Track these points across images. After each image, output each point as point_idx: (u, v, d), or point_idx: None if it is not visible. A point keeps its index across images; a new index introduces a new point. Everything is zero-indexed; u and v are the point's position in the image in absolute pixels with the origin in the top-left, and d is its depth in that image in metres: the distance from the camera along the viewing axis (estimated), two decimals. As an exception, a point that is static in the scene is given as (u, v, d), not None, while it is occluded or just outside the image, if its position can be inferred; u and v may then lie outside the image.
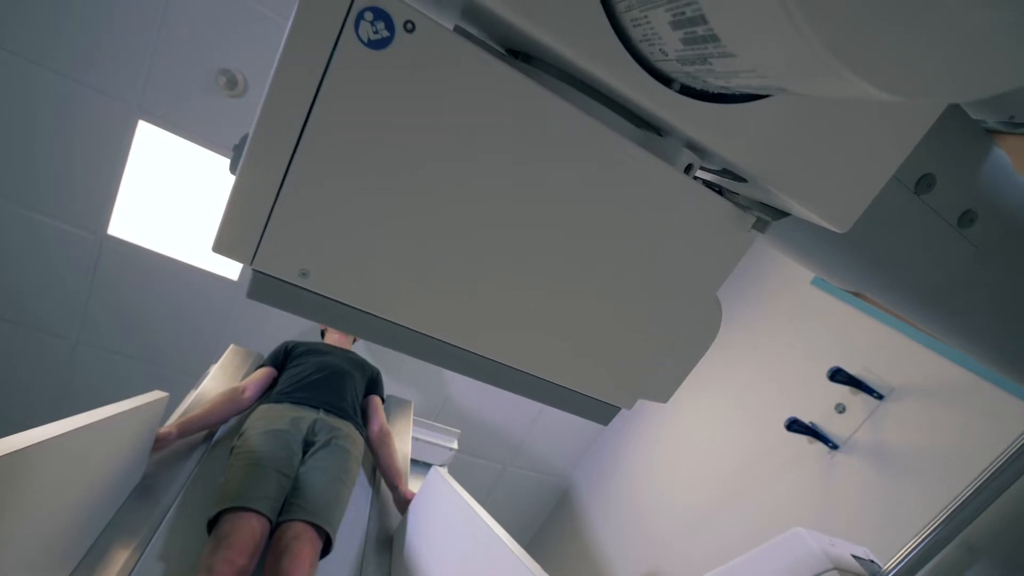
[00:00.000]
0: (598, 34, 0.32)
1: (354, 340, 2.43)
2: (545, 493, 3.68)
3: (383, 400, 2.20)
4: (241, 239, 0.36)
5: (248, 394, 1.82)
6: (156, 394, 1.42)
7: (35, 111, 2.08)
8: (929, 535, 0.80)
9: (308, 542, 1.31)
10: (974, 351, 0.68)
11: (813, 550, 0.84)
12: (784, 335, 2.54)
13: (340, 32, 0.32)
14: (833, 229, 0.40)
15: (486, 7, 0.32)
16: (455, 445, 2.56)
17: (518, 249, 0.37)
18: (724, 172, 0.45)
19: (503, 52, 0.43)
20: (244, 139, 0.38)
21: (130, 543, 1.32)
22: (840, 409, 2.11)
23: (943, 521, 0.79)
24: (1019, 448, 0.77)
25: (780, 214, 0.45)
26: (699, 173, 0.48)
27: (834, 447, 2.07)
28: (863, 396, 2.07)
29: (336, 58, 0.33)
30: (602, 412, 0.48)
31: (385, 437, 1.94)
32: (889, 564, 0.82)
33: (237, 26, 2.09)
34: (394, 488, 1.78)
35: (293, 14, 0.33)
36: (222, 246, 0.38)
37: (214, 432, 1.77)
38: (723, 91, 0.33)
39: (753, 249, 2.86)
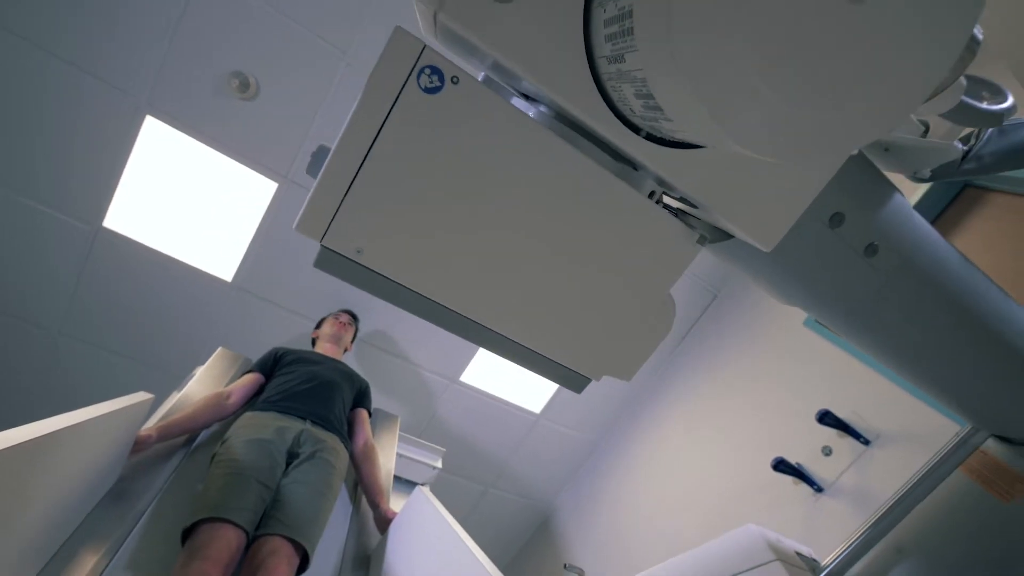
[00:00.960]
0: (589, 96, 0.44)
1: (345, 350, 2.40)
2: (526, 518, 3.62)
3: (370, 413, 2.16)
4: (317, 222, 0.47)
5: (233, 400, 1.78)
6: (140, 395, 1.39)
7: (41, 98, 2.06)
8: (861, 536, 0.89)
9: (285, 558, 1.27)
10: (891, 366, 0.80)
11: (761, 543, 0.93)
12: (775, 374, 2.55)
13: (407, 79, 0.45)
14: (761, 248, 0.51)
15: (511, 71, 0.44)
16: (439, 464, 2.52)
17: (519, 246, 0.50)
18: (683, 199, 0.57)
19: (520, 96, 0.56)
20: (320, 149, 0.50)
21: (99, 548, 1.27)
22: (827, 452, 2.11)
23: (873, 523, 0.89)
24: (939, 459, 0.90)
25: (725, 235, 0.58)
26: (667, 200, 0.61)
27: (819, 489, 2.06)
28: (850, 440, 2.07)
29: (401, 97, 0.45)
30: (575, 381, 0.58)
31: (370, 452, 1.91)
32: (826, 561, 0.91)
33: (254, 30, 2.11)
34: (375, 506, 1.74)
35: (377, 62, 0.45)
36: (303, 226, 0.48)
37: (195, 437, 1.72)
38: (676, 140, 0.43)
39: (748, 289, 2.89)
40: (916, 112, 0.53)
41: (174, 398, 1.96)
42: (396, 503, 1.87)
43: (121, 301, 2.51)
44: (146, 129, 2.21)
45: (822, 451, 2.12)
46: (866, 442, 2.01)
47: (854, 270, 0.63)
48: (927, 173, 0.64)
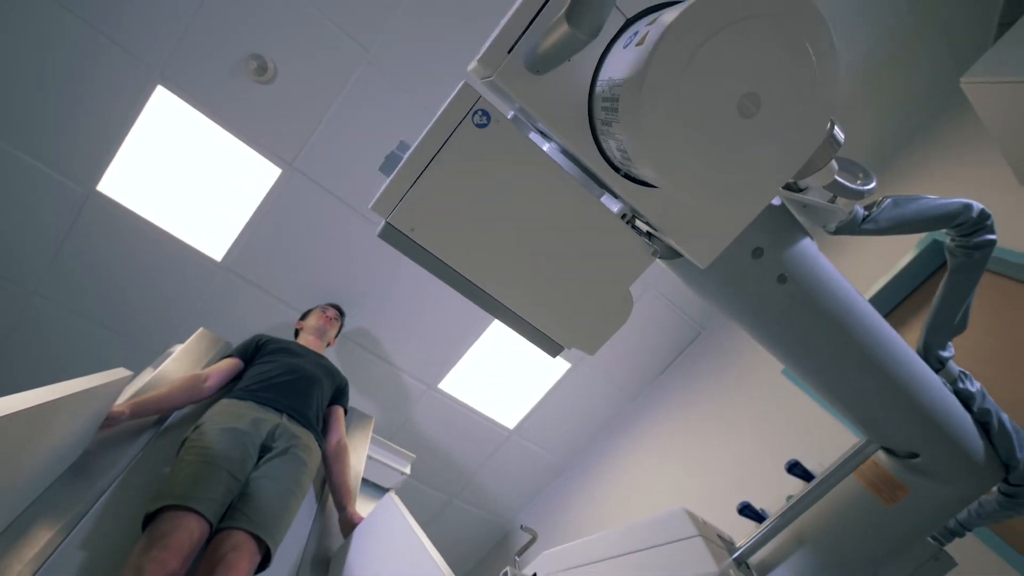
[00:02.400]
0: (586, 143, 0.60)
1: (328, 345, 2.38)
2: (486, 532, 3.59)
3: (346, 412, 2.14)
4: (388, 204, 0.62)
5: (210, 383, 1.75)
6: (119, 372, 1.35)
7: (55, 55, 2.02)
8: (770, 524, 1.04)
9: (247, 555, 1.24)
10: (798, 376, 0.96)
11: (686, 521, 1.03)
12: (749, 418, 2.59)
13: (464, 117, 0.61)
14: (698, 265, 0.66)
15: (534, 119, 0.61)
16: (408, 470, 2.50)
17: (524, 240, 0.66)
18: (648, 223, 0.75)
19: (537, 132, 0.72)
20: (392, 154, 0.65)
21: (55, 524, 1.23)
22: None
23: (781, 515, 1.04)
24: (838, 465, 1.03)
25: (676, 254, 0.74)
26: (640, 223, 0.75)
27: (781, 539, 2.09)
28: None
29: (459, 128, 0.61)
30: (551, 345, 0.73)
31: (342, 452, 1.88)
32: (741, 543, 1.04)
33: (281, 16, 2.10)
34: (342, 508, 1.71)
35: (445, 105, 0.61)
36: (378, 206, 0.62)
37: (166, 417, 1.68)
38: (641, 179, 0.60)
39: (732, 330, 2.93)
40: (804, 183, 0.72)
41: (148, 374, 1.92)
42: (361, 506, 1.84)
43: (104, 268, 2.45)
44: (156, 99, 2.18)
45: (787, 500, 2.15)
46: None
47: (768, 294, 0.79)
48: (832, 227, 0.78)
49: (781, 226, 0.76)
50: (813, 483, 1.05)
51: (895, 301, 2.43)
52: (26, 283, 2.42)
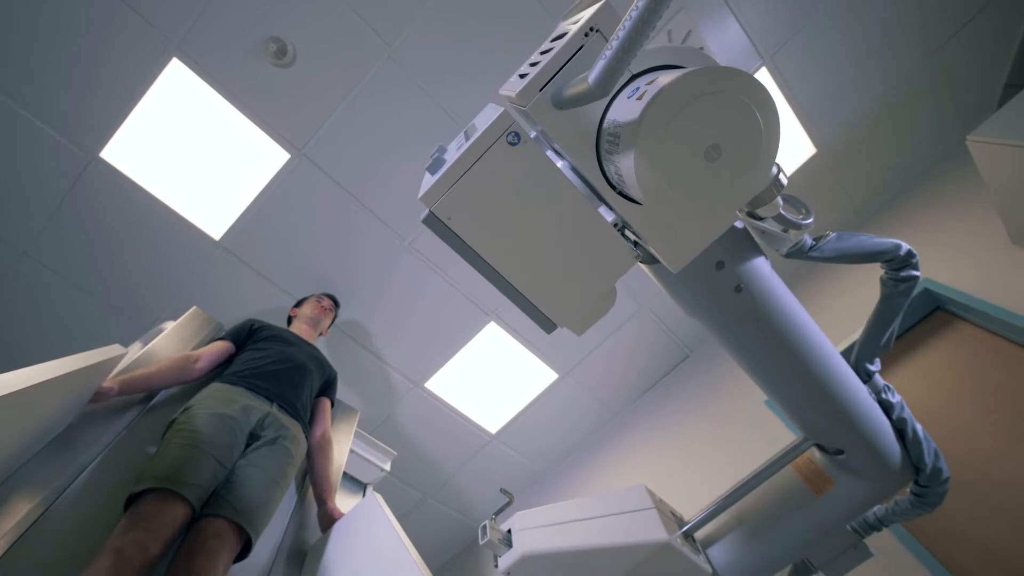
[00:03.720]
0: (592, 165, 0.74)
1: (320, 334, 2.36)
2: (457, 534, 3.59)
3: (333, 404, 2.13)
4: (434, 198, 0.74)
5: (200, 365, 1.73)
6: (114, 349, 1.34)
7: (72, 17, 1.98)
8: (715, 504, 1.17)
9: (228, 544, 1.23)
10: (748, 373, 1.09)
11: (644, 495, 1.18)
12: (729, 446, 2.62)
13: (500, 136, 0.72)
14: (671, 270, 0.78)
15: (553, 140, 0.74)
16: (388, 467, 2.49)
17: (534, 235, 0.77)
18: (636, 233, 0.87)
19: (555, 151, 0.83)
20: (438, 158, 0.76)
21: (35, 497, 1.21)
22: (765, 532, 2.17)
23: (725, 497, 1.17)
24: (778, 457, 1.17)
25: (655, 260, 0.86)
26: (628, 233, 0.86)
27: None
28: None
29: (496, 144, 0.72)
30: (545, 322, 0.83)
31: (326, 445, 1.87)
32: (689, 518, 1.18)
33: (306, 0, 2.09)
34: (322, 502, 1.70)
35: (490, 124, 0.72)
36: (426, 198, 0.74)
37: (153, 395, 1.66)
38: (631, 197, 0.73)
39: (720, 356, 2.96)
40: (761, 213, 0.84)
41: (136, 348, 1.89)
42: (338, 500, 1.83)
43: (98, 236, 2.41)
44: (169, 70, 2.15)
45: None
46: None
47: (725, 300, 0.94)
48: (784, 251, 0.91)
49: (742, 246, 0.92)
50: (754, 471, 1.19)
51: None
52: (16, 243, 2.37)
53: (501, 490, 1.35)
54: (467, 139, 0.76)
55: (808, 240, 0.90)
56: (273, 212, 2.48)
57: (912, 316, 2.44)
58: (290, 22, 2.12)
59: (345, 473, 2.20)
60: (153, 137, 2.27)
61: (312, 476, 1.79)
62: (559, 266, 0.78)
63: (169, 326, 2.02)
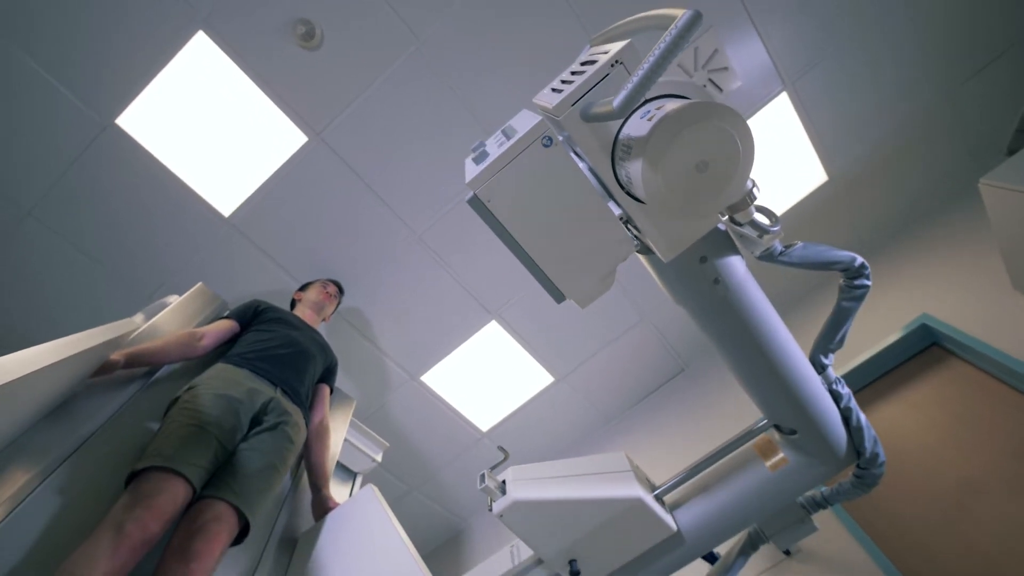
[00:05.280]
0: (607, 168, 0.85)
1: (323, 320, 2.35)
2: (438, 528, 3.60)
3: (331, 391, 2.12)
4: (481, 183, 0.87)
5: (205, 342, 1.72)
6: (128, 324, 1.33)
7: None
8: (682, 473, 1.38)
9: (227, 527, 1.23)
10: (720, 355, 1.24)
11: (624, 462, 1.38)
12: (719, 462, 2.64)
13: (536, 139, 0.85)
14: (662, 259, 0.93)
15: (577, 145, 0.88)
16: (379, 458, 2.49)
17: (554, 219, 0.90)
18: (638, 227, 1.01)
19: (577, 153, 0.94)
20: (483, 152, 0.91)
21: (33, 467, 1.20)
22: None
23: (691, 467, 1.39)
24: (740, 435, 1.37)
25: (651, 251, 0.99)
26: (631, 227, 0.98)
27: (733, 584, 2.15)
28: (771, 546, 2.17)
29: (531, 145, 0.85)
30: (556, 292, 0.96)
31: (324, 432, 1.87)
32: (660, 482, 1.38)
33: (336, -13, 2.07)
34: (317, 489, 1.70)
35: (528, 130, 0.86)
36: (474, 183, 0.87)
37: (155, 370, 1.65)
38: (636, 196, 0.83)
39: (715, 373, 2.98)
40: (740, 219, 0.97)
41: (139, 319, 1.87)
42: (332, 489, 1.83)
43: (106, 202, 2.38)
44: (194, 43, 2.13)
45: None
46: (787, 552, 2.11)
47: (704, 290, 1.08)
48: (757, 254, 1.03)
49: (722, 246, 1.06)
50: (719, 445, 1.39)
51: (874, 376, 2.51)
52: (22, 202, 2.34)
53: (499, 447, 1.53)
54: (507, 138, 0.87)
55: (778, 246, 1.03)
56: (285, 193, 2.46)
57: (908, 349, 2.48)
58: (321, 5, 2.10)
59: (338, 462, 2.20)
60: (171, 108, 2.24)
61: (308, 463, 1.79)
62: (572, 247, 0.91)
63: (173, 300, 2.00)
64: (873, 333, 2.54)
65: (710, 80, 2.54)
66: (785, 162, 2.69)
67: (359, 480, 2.34)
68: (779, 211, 2.80)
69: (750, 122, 2.54)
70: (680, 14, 0.60)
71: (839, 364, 2.54)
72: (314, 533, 1.59)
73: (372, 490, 1.60)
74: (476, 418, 3.22)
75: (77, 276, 2.54)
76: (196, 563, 1.11)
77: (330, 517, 1.60)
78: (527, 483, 1.29)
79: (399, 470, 3.29)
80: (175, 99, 2.23)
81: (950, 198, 2.81)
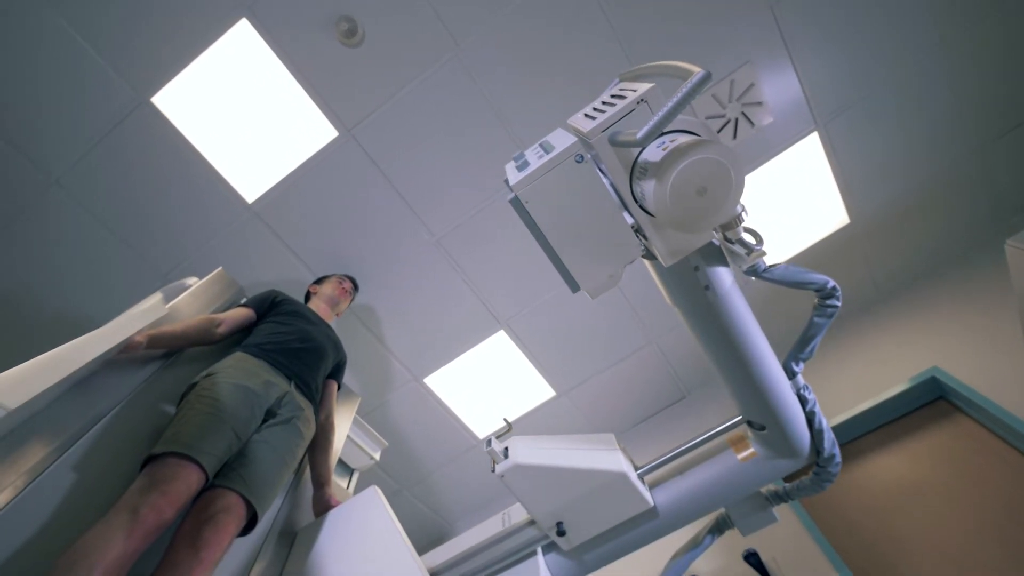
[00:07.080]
0: (626, 184, 0.97)
1: (336, 315, 2.36)
2: (425, 528, 3.60)
3: (339, 388, 2.13)
4: (523, 186, 0.99)
5: (222, 329, 1.73)
6: (159, 309, 1.33)
7: (152, -39, 1.98)
8: (665, 457, 1.51)
9: (236, 518, 1.23)
10: (705, 353, 1.35)
11: (613, 441, 1.53)
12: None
13: (570, 156, 0.98)
14: (663, 264, 1.06)
15: (601, 162, 0.99)
16: (378, 456, 2.50)
17: (576, 222, 1.03)
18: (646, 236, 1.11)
19: (600, 170, 1.03)
20: (524, 161, 1.04)
21: (51, 441, 1.20)
22: (739, 585, 2.20)
23: (673, 453, 1.52)
24: (716, 430, 1.49)
25: (654, 257, 1.10)
26: (640, 235, 1.08)
27: (720, 618, 2.15)
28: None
29: (566, 161, 0.98)
30: (572, 282, 1.08)
31: (329, 429, 1.87)
32: (640, 464, 1.53)
33: (383, -12, 2.09)
34: (319, 486, 1.71)
35: (565, 147, 0.98)
36: (518, 185, 0.99)
37: (171, 353, 1.66)
38: (648, 210, 0.95)
39: (716, 402, 2.98)
40: (731, 236, 1.06)
41: (157, 299, 1.88)
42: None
43: (132, 177, 2.40)
44: (236, 29, 2.15)
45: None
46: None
47: (696, 295, 1.21)
48: (744, 268, 1.12)
49: (715, 258, 1.19)
50: (698, 436, 1.52)
51: (879, 423, 2.51)
52: (51, 170, 2.35)
53: (503, 419, 1.64)
54: (545, 152, 1.02)
55: (763, 264, 1.14)
56: (310, 186, 2.47)
57: (915, 400, 2.48)
58: (366, 4, 2.12)
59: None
60: (207, 92, 2.26)
61: (312, 459, 1.79)
62: (590, 246, 1.05)
63: (192, 282, 2.01)
64: (882, 380, 2.54)
65: (743, 114, 2.59)
66: (809, 201, 2.70)
67: (355, 476, 2.34)
68: (798, 248, 2.82)
69: (779, 158, 2.56)
70: (695, 72, 0.74)
71: (847, 404, 2.55)
72: (314, 529, 1.59)
73: (376, 491, 1.60)
74: (474, 425, 3.23)
75: (94, 247, 2.55)
76: (206, 551, 1.12)
77: (331, 515, 1.60)
78: (527, 450, 1.46)
79: (392, 468, 3.29)
80: (211, 83, 2.25)
81: (970, 254, 2.82)
